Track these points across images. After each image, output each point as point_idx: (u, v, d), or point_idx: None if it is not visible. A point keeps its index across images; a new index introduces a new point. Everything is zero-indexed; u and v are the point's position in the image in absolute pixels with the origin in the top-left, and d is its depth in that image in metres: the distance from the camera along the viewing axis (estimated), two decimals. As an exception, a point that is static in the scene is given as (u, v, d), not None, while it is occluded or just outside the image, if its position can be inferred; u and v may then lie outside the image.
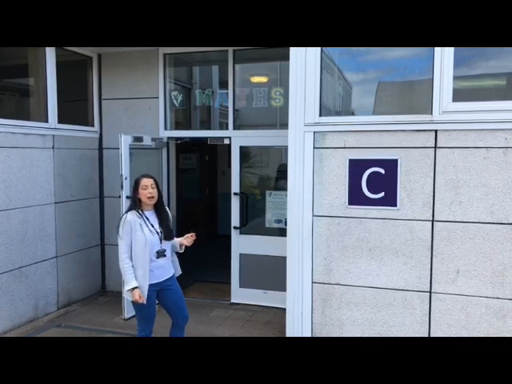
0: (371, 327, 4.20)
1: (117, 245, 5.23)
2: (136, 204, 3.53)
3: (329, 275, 4.30)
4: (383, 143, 4.08)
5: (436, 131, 3.94)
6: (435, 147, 3.95)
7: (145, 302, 3.44)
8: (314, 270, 4.33)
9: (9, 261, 4.71)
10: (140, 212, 3.52)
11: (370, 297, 4.19)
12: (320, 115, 4.24)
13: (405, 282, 4.09)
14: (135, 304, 3.49)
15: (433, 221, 3.99)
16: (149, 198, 3.52)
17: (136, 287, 3.39)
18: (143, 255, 3.45)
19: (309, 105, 4.23)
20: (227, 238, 5.71)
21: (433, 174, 3.97)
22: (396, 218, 4.09)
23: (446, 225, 3.96)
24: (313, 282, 4.34)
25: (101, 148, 6.07)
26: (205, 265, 7.14)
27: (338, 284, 4.27)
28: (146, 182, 3.54)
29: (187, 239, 3.77)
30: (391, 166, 4.07)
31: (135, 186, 3.55)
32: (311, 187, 4.28)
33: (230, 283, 5.70)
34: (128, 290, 3.42)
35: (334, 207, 4.25)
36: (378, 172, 4.11)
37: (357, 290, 4.22)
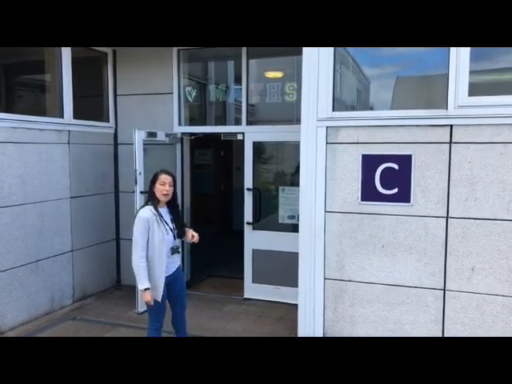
0: (384, 325, 4.16)
1: (131, 239, 5.36)
2: (153, 199, 3.49)
3: (341, 271, 4.27)
4: (397, 138, 4.02)
5: (451, 126, 3.86)
6: (450, 142, 3.88)
7: (159, 299, 3.45)
8: (326, 266, 4.30)
9: (26, 254, 4.79)
10: (156, 208, 3.47)
11: (382, 294, 4.15)
12: (333, 110, 4.20)
13: (418, 279, 4.03)
14: (150, 308, 3.56)
15: (447, 217, 3.93)
16: (164, 195, 3.49)
17: (148, 288, 3.37)
18: (160, 253, 3.43)
19: (322, 99, 4.19)
20: (241, 234, 5.72)
21: (447, 170, 3.90)
22: (410, 215, 4.03)
23: (460, 221, 3.89)
24: (325, 279, 4.31)
25: (116, 143, 6.12)
26: (218, 260, 7.16)
27: (350, 280, 4.24)
28: (165, 178, 3.50)
29: (194, 237, 3.70)
30: (405, 161, 4.01)
31: (153, 180, 3.51)
32: (323, 183, 4.25)
33: (243, 278, 5.70)
34: (140, 290, 3.42)
35: (346, 203, 4.21)
36: (391, 168, 4.05)
37: (369, 286, 4.18)
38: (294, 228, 5.35)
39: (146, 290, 3.36)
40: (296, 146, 5.28)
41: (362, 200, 4.15)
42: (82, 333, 4.63)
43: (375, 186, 4.11)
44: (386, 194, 4.08)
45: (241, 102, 5.61)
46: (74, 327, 4.79)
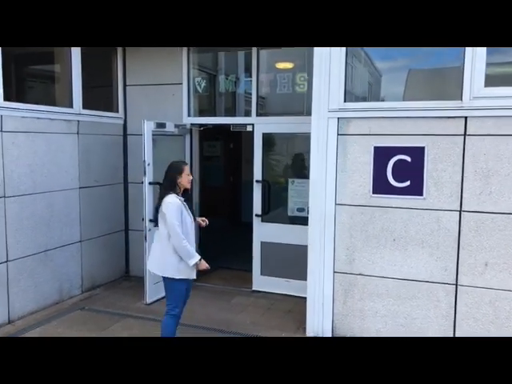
0: (394, 319, 4.10)
1: (141, 230, 5.36)
2: (176, 188, 3.64)
3: (351, 265, 4.21)
4: (410, 130, 3.95)
5: (466, 118, 3.78)
6: (465, 134, 3.80)
7: (194, 277, 3.68)
8: (336, 259, 4.25)
9: (34, 244, 4.79)
10: (179, 196, 3.64)
11: (393, 288, 4.09)
12: (345, 101, 4.13)
13: (430, 273, 3.97)
14: (174, 283, 3.59)
15: (460, 211, 3.85)
16: (189, 183, 3.75)
17: (201, 258, 3.62)
18: (192, 235, 3.68)
19: (333, 90, 4.11)
20: (250, 226, 5.67)
21: (461, 163, 3.82)
22: (422, 208, 3.96)
23: (474, 215, 3.81)
24: (334, 272, 4.26)
25: (125, 134, 6.09)
26: (227, 252, 7.13)
27: (360, 274, 4.18)
28: (187, 168, 3.75)
29: (204, 221, 4.01)
30: (418, 153, 3.93)
31: (178, 171, 3.66)
32: (334, 175, 4.19)
33: (251, 271, 5.67)
34: (194, 264, 3.58)
35: (357, 196, 4.15)
36: (403, 160, 3.98)
37: (380, 280, 4.13)
38: (304, 221, 5.28)
39: (200, 260, 3.61)
40: (306, 138, 5.21)
41: (374, 193, 4.09)
42: (90, 323, 4.63)
43: (387, 179, 4.04)
44: (398, 187, 4.01)
45: (251, 93, 5.54)
46: (81, 317, 4.79)
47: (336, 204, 4.21)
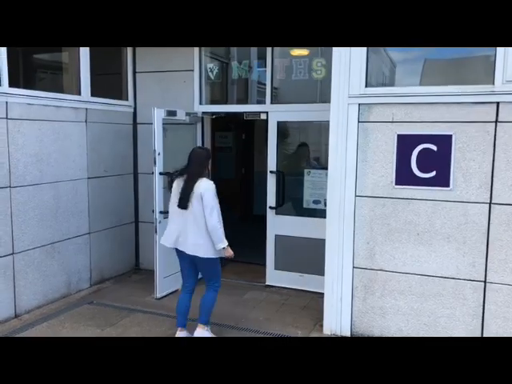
0: (417, 317, 3.88)
1: (151, 222, 5.18)
2: (207, 173, 3.81)
3: (372, 260, 3.99)
4: (436, 117, 3.70)
5: (498, 103, 3.52)
6: (496, 121, 3.54)
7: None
8: (356, 254, 4.03)
9: (41, 236, 4.64)
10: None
11: (416, 285, 3.86)
12: (366, 86, 3.88)
13: (456, 269, 3.73)
14: (214, 261, 3.79)
15: (490, 203, 3.60)
16: None
17: (228, 245, 3.78)
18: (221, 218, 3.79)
19: (354, 74, 3.87)
20: (262, 218, 5.46)
21: (492, 152, 3.57)
22: (448, 200, 3.72)
23: (505, 208, 3.56)
24: (354, 267, 4.05)
25: (135, 123, 5.90)
26: (240, 245, 6.83)
27: (381, 270, 3.96)
28: None
29: None
30: (444, 142, 3.69)
31: (209, 157, 3.90)
32: (354, 165, 3.96)
33: (264, 265, 5.48)
34: (222, 248, 3.74)
35: (379, 187, 3.92)
36: (429, 149, 3.73)
37: (402, 276, 3.90)
38: (320, 213, 5.08)
39: (228, 246, 3.77)
40: (323, 126, 4.99)
41: (397, 184, 3.85)
42: (98, 318, 4.47)
43: (411, 169, 3.80)
44: (423, 178, 3.77)
45: (265, 80, 5.31)
46: (90, 312, 4.64)
47: (356, 196, 3.98)
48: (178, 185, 3.77)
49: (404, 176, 3.82)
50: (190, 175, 3.70)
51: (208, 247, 3.69)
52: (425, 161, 3.75)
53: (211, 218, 3.62)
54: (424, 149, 3.75)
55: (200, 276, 4.01)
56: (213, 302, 3.91)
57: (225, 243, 3.73)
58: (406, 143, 3.80)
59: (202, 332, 3.84)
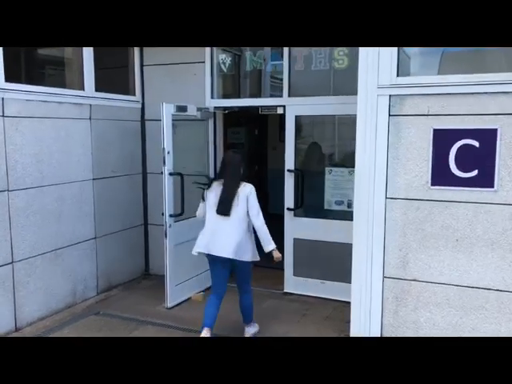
0: (455, 333, 3.48)
1: (161, 225, 4.82)
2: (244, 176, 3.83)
3: (404, 269, 3.59)
4: (478, 109, 3.28)
5: (552, 93, 3.09)
6: (550, 113, 3.11)
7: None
8: (386, 262, 3.64)
9: (43, 242, 4.32)
10: None
11: (454, 297, 3.46)
12: (398, 75, 3.48)
13: (502, 280, 3.32)
14: (250, 265, 3.84)
15: (542, 206, 3.19)
16: None
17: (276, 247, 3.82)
18: None
19: (384, 62, 3.47)
20: (278, 218, 5.08)
21: (545, 148, 3.14)
22: (492, 203, 3.30)
23: (560, 212, 3.14)
24: (384, 277, 3.65)
25: (143, 119, 5.56)
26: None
27: (415, 280, 3.57)
28: None
29: None
30: (488, 137, 3.27)
31: (243, 160, 3.88)
32: (385, 163, 3.56)
33: (282, 269, 5.11)
34: (271, 250, 3.78)
35: (412, 188, 3.51)
36: (470, 145, 3.32)
37: (438, 287, 3.50)
38: (342, 215, 4.71)
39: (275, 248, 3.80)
40: (347, 121, 4.60)
41: (433, 184, 3.44)
42: (105, 331, 4.15)
43: (449, 168, 3.39)
44: (463, 178, 3.36)
45: (281, 72, 4.92)
46: (96, 323, 4.31)
47: (387, 198, 3.58)
48: (215, 190, 3.74)
49: (441, 176, 3.41)
50: (230, 180, 3.71)
51: (253, 251, 3.78)
52: (465, 158, 3.34)
53: (258, 219, 3.69)
54: (464, 145, 3.34)
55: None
56: (252, 302, 4.01)
57: (273, 245, 3.78)
58: (443, 139, 3.38)
59: (251, 328, 4.06)
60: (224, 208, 3.65)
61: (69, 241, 4.60)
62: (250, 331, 4.05)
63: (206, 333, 3.69)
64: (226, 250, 3.63)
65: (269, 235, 3.75)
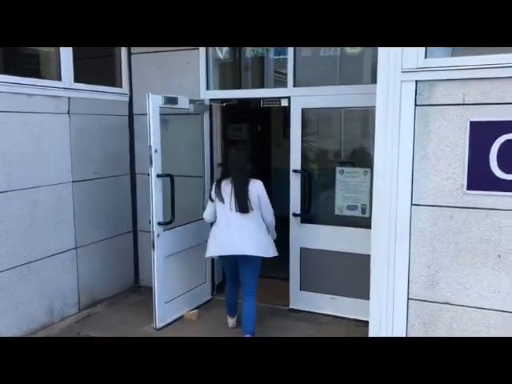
0: (497, 367, 2.89)
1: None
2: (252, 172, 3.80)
3: (433, 290, 3.00)
4: (529, 96, 2.68)
5: None
6: None
7: None
8: (412, 281, 3.05)
9: (12, 255, 3.76)
10: None
11: (496, 324, 2.87)
12: (425, 56, 2.88)
13: (555, 305, 2.73)
14: (259, 265, 3.77)
15: None
16: None
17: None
18: None
19: (410, 41, 2.87)
20: (283, 221, 4.48)
21: None
22: (544, 211, 2.71)
23: None
24: (409, 298, 3.07)
25: (131, 114, 4.99)
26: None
27: (446, 303, 2.97)
28: None
29: None
30: (540, 131, 2.67)
31: (249, 156, 3.88)
32: (410, 163, 2.97)
33: (286, 279, 4.56)
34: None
35: (444, 192, 2.92)
36: (516, 141, 2.72)
37: (476, 313, 2.91)
38: (356, 221, 4.15)
39: None
40: (361, 113, 4.03)
41: (469, 188, 2.84)
42: (83, 358, 3.58)
43: (490, 168, 2.79)
44: (507, 180, 2.76)
45: (286, 58, 4.32)
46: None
47: (412, 204, 2.99)
48: (224, 189, 3.68)
49: (480, 178, 2.81)
50: (239, 178, 3.67)
51: (273, 245, 3.80)
52: (509, 157, 2.74)
53: (270, 214, 3.78)
54: (508, 141, 2.74)
55: None
56: (255, 309, 3.82)
57: (275, 235, 3.97)
58: (482, 133, 2.78)
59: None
60: (244, 205, 3.61)
61: (44, 252, 4.04)
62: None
63: (232, 322, 4.08)
64: (250, 248, 3.59)
65: (274, 231, 3.96)
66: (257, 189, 3.67)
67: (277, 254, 3.81)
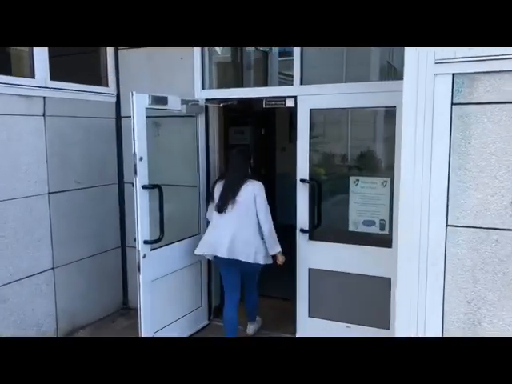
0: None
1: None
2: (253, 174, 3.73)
3: (475, 329, 2.46)
4: None
5: None
6: None
7: None
8: (447, 318, 2.50)
9: (-26, 280, 3.25)
10: None
11: (555, 375, 2.32)
12: (464, 44, 2.34)
13: None
14: (259, 268, 3.66)
15: None
16: None
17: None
18: None
19: (445, 25, 2.33)
20: (287, 229, 3.94)
21: None
22: None
23: None
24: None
25: (119, 116, 4.48)
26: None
27: (492, 347, 2.42)
28: None
29: None
30: None
31: (250, 157, 3.78)
32: (445, 175, 2.43)
33: (288, 299, 4.09)
34: (277, 253, 3.58)
35: (488, 212, 2.37)
36: None
37: (529, 360, 2.36)
38: (374, 239, 3.60)
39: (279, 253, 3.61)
40: (381, 115, 3.48)
41: (521, 206, 2.30)
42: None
43: (547, 182, 2.25)
44: None
45: (291, 54, 3.80)
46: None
47: (448, 225, 2.45)
48: (218, 189, 3.62)
49: (534, 194, 2.27)
50: (232, 177, 3.58)
51: (261, 252, 3.54)
52: None
53: (267, 221, 3.52)
54: None
55: None
56: (257, 301, 3.95)
57: (279, 248, 3.58)
58: (538, 138, 2.24)
59: (254, 325, 4.08)
60: (220, 205, 3.52)
61: (13, 276, 3.52)
62: (253, 328, 4.06)
63: None
64: (239, 253, 3.47)
65: (276, 239, 3.56)
66: (254, 188, 3.52)
67: (269, 263, 3.58)
